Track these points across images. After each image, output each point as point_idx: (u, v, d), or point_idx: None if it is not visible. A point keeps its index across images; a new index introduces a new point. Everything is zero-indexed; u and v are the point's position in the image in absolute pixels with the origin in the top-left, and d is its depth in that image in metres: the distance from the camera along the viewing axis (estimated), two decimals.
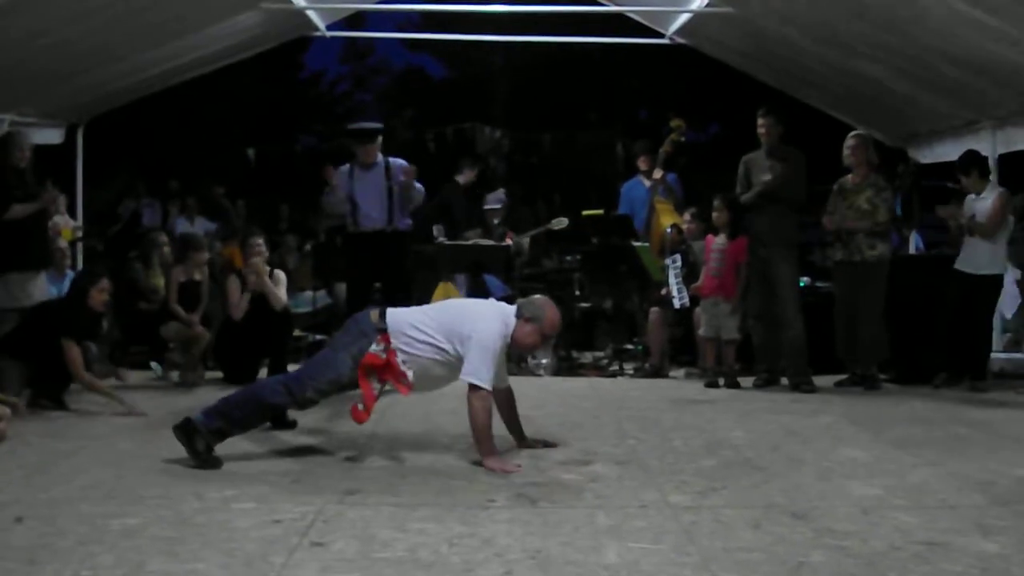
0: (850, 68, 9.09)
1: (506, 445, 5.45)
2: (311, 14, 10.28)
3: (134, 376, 8.13)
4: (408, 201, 7.98)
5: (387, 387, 5.31)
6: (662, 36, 10.86)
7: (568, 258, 11.22)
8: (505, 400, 5.55)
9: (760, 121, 8.15)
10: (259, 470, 5.05)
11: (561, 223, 10.40)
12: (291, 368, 7.61)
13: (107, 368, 7.58)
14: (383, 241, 7.86)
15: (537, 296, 5.68)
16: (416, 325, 5.25)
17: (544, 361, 8.88)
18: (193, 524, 4.06)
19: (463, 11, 12.09)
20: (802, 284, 8.77)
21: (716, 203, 8.23)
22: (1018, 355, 8.67)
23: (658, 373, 8.74)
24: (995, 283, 8.00)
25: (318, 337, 9.74)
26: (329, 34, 11.47)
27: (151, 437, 5.84)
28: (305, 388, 5.20)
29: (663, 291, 8.63)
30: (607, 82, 22.79)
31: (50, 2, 6.97)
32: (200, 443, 5.05)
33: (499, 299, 6.00)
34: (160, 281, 8.78)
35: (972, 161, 8.00)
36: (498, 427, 5.33)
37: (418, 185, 7.96)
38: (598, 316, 10.66)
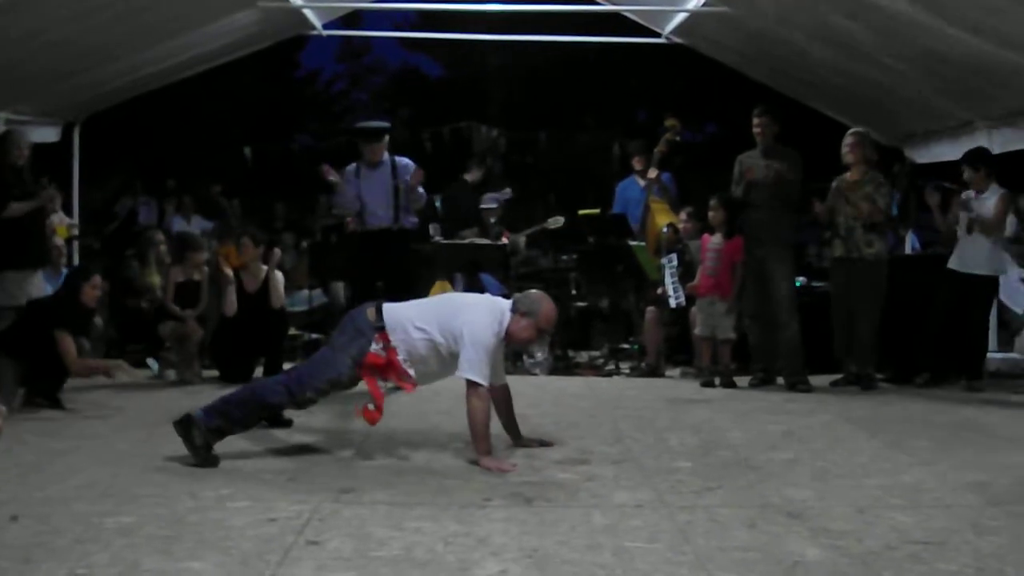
0: (846, 68, 9.10)
1: (502, 444, 5.44)
2: (308, 12, 10.28)
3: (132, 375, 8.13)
4: (411, 203, 7.98)
5: (391, 384, 5.31)
6: (659, 36, 10.87)
7: (564, 257, 11.22)
8: (502, 398, 5.55)
9: (756, 121, 8.15)
10: (255, 468, 5.05)
11: (557, 222, 10.41)
12: (287, 367, 7.65)
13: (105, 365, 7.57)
14: (389, 240, 7.86)
15: (533, 291, 5.69)
16: (413, 321, 5.25)
17: (539, 355, 8.87)
18: (188, 523, 4.05)
19: (460, 10, 12.08)
20: (798, 284, 8.78)
21: (712, 202, 8.23)
22: (1013, 355, 8.67)
23: (654, 372, 8.74)
24: (990, 284, 8.00)
25: (314, 336, 9.74)
26: (326, 33, 11.47)
27: (146, 436, 5.84)
28: (304, 388, 5.20)
29: (659, 290, 8.64)
30: (603, 81, 22.74)
31: (49, 3, 6.96)
32: (199, 440, 5.05)
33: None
34: (156, 280, 8.78)
35: (982, 158, 7.99)
36: (494, 426, 5.33)
37: (420, 190, 7.96)
38: (594, 315, 10.66)
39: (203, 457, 5.05)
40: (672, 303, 8.50)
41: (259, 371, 8.05)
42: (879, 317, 7.95)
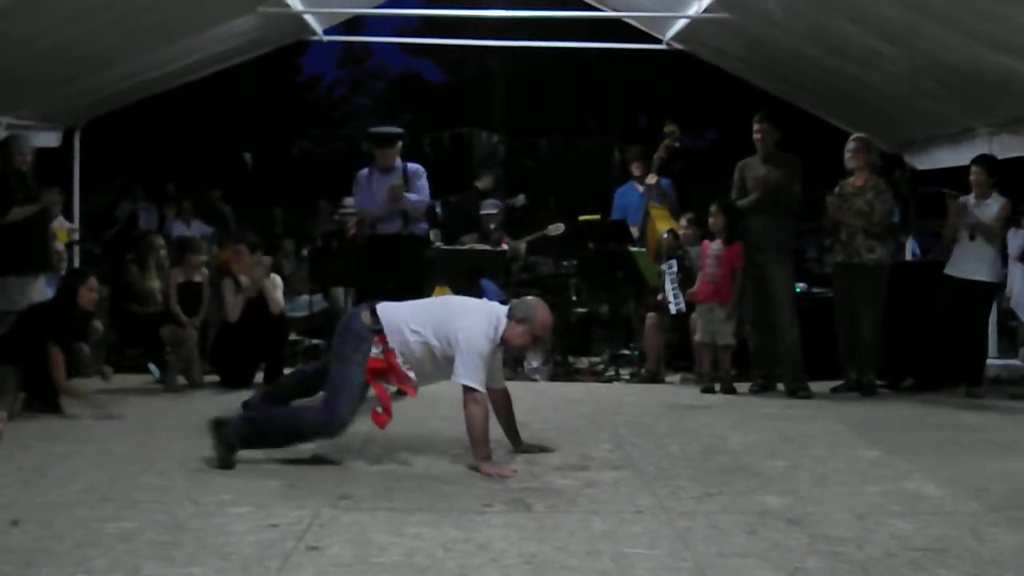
0: (847, 74, 9.11)
1: (502, 450, 5.44)
2: (309, 18, 10.28)
3: (133, 379, 8.14)
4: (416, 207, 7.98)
5: (394, 389, 5.31)
6: (660, 42, 10.88)
7: (565, 263, 11.21)
8: (502, 403, 5.56)
9: (756, 127, 8.16)
10: (255, 474, 5.04)
11: (558, 228, 10.40)
12: (287, 371, 7.66)
13: (95, 366, 7.59)
14: (398, 245, 7.88)
15: (529, 297, 5.69)
16: (408, 323, 5.26)
17: (535, 363, 8.86)
18: (189, 528, 4.05)
19: (461, 16, 12.09)
20: (798, 290, 8.78)
21: (712, 208, 8.22)
22: (1014, 361, 8.68)
23: (654, 378, 8.73)
24: (989, 290, 8.01)
25: (314, 341, 9.73)
26: (327, 38, 11.47)
27: (147, 441, 5.85)
28: (342, 408, 5.17)
29: (659, 296, 8.64)
30: (604, 87, 22.79)
31: (48, 5, 6.97)
32: (226, 441, 5.11)
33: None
34: (156, 284, 8.78)
35: (994, 164, 8.02)
36: (494, 432, 5.33)
37: (416, 196, 7.92)
38: (594, 321, 10.65)
39: (223, 459, 5.10)
40: (672, 309, 8.49)
41: (259, 377, 8.07)
42: (881, 323, 7.95)
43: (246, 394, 6.71)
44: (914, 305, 8.08)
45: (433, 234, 9.71)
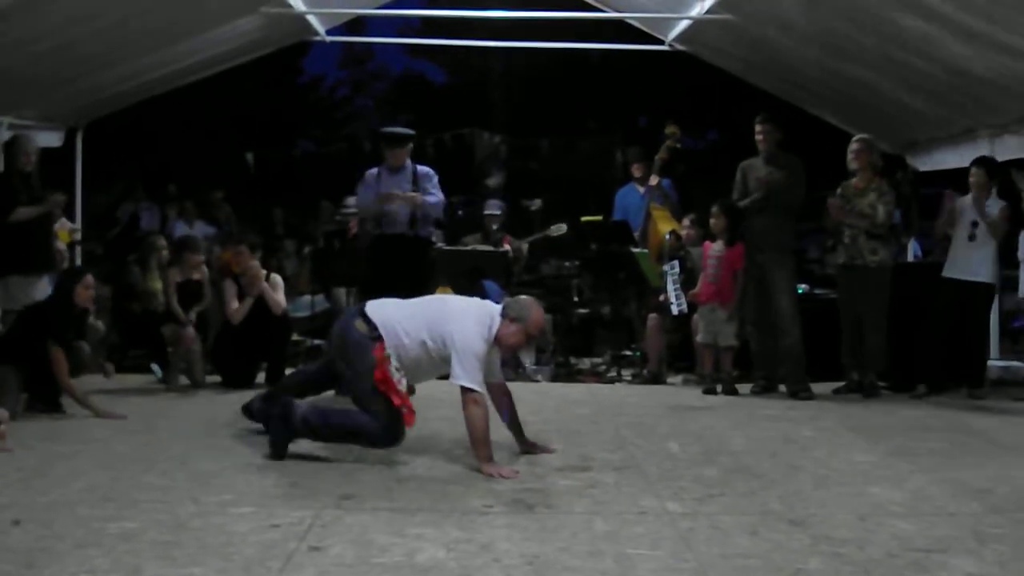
0: (848, 75, 9.11)
1: (503, 451, 5.43)
2: (311, 19, 10.28)
3: (135, 379, 8.14)
4: (429, 211, 8.00)
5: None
6: (662, 43, 10.88)
7: (567, 264, 11.22)
8: (501, 395, 5.58)
9: (758, 128, 8.16)
10: (257, 475, 5.04)
11: (560, 229, 10.41)
12: (288, 371, 7.66)
13: (96, 364, 7.59)
14: (404, 246, 7.89)
15: (523, 296, 5.69)
16: (404, 326, 5.27)
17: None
18: (190, 528, 4.05)
19: (463, 17, 12.09)
20: (800, 291, 8.77)
21: (714, 209, 8.22)
22: (1015, 363, 8.67)
23: (656, 379, 8.73)
24: (988, 292, 8.00)
25: (316, 342, 9.73)
26: (329, 39, 11.46)
27: (149, 440, 5.85)
28: (389, 420, 5.20)
29: (661, 297, 8.63)
30: (606, 88, 22.78)
31: (50, 5, 6.97)
32: (288, 432, 5.24)
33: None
34: (158, 284, 8.77)
35: (996, 166, 8.03)
36: (495, 432, 5.32)
37: (432, 199, 7.93)
38: (596, 322, 10.66)
39: (276, 448, 5.27)
40: (674, 310, 8.49)
41: (261, 377, 8.07)
42: (885, 325, 7.95)
43: (248, 394, 6.71)
44: (917, 306, 8.08)
45: (435, 235, 9.72)
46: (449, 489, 4.79)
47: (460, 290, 8.08)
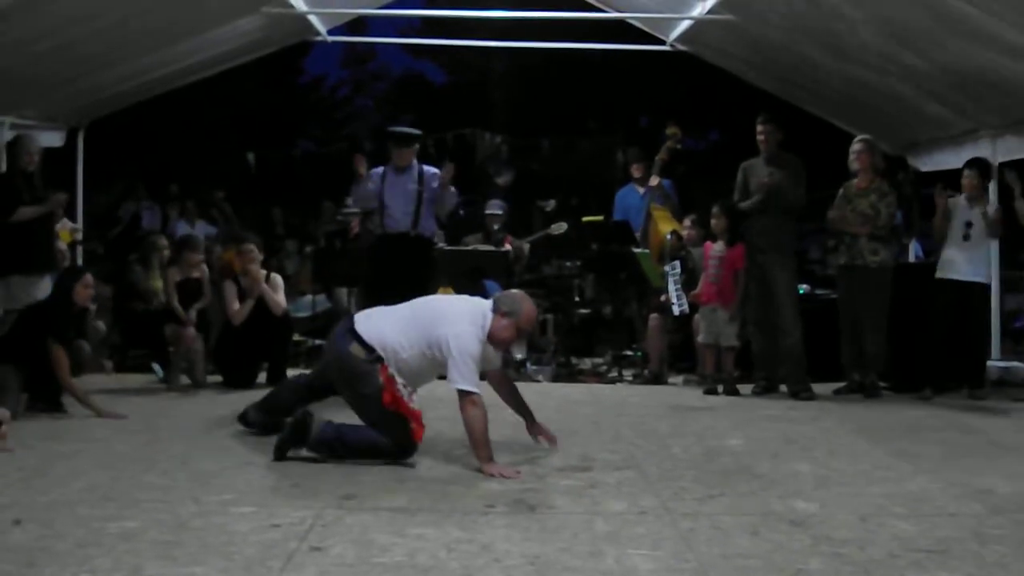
0: (850, 76, 9.10)
1: (502, 453, 5.42)
2: (312, 19, 10.28)
3: (136, 379, 8.14)
4: (440, 205, 8.03)
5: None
6: (663, 43, 10.88)
7: (568, 264, 11.23)
8: (502, 382, 5.63)
9: (759, 128, 8.16)
10: (258, 474, 5.05)
11: (561, 228, 10.41)
12: (290, 372, 7.67)
13: (96, 363, 7.59)
14: (406, 244, 7.91)
15: (514, 290, 5.69)
16: (403, 344, 5.26)
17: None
18: (191, 528, 4.05)
19: (464, 17, 12.09)
20: (801, 291, 8.78)
21: (714, 210, 8.23)
22: (1016, 363, 8.67)
23: (657, 380, 8.74)
24: (985, 292, 8.00)
25: (317, 342, 9.74)
26: (330, 39, 11.46)
27: (150, 440, 5.85)
28: (401, 438, 5.20)
29: (662, 298, 8.64)
30: (607, 88, 22.78)
31: (51, 5, 6.97)
32: (297, 441, 5.20)
33: None
34: (159, 284, 8.78)
35: (989, 168, 8.03)
36: (495, 433, 5.32)
37: (452, 189, 8.01)
38: (598, 322, 10.66)
39: (279, 451, 5.22)
40: (675, 310, 8.49)
41: (263, 377, 8.07)
42: (885, 325, 7.95)
43: (249, 394, 6.72)
44: (918, 307, 8.07)
45: (436, 235, 9.72)
46: (450, 489, 4.79)
47: (461, 290, 8.07)
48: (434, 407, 6.03)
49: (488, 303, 5.43)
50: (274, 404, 5.97)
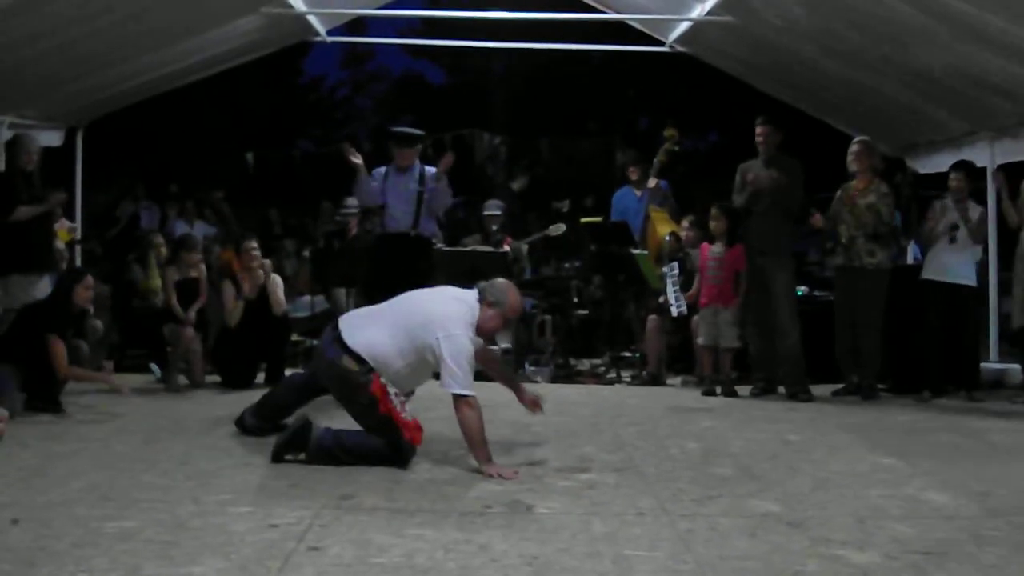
0: (849, 78, 9.11)
1: (498, 455, 5.42)
2: (312, 19, 10.29)
3: (134, 379, 8.13)
4: (435, 199, 8.02)
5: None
6: (662, 44, 10.89)
7: (566, 265, 11.22)
8: (484, 357, 5.63)
9: (758, 129, 8.16)
10: (256, 475, 5.05)
11: (559, 229, 10.40)
12: (288, 372, 7.66)
13: (95, 363, 7.59)
14: (406, 244, 7.92)
15: (499, 279, 5.64)
16: (393, 352, 5.23)
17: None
18: (189, 528, 4.05)
19: (463, 17, 12.09)
20: (800, 293, 8.77)
21: (713, 211, 8.22)
22: (1014, 366, 8.67)
23: (655, 381, 8.74)
24: (972, 294, 8.01)
25: (315, 342, 9.73)
26: (329, 39, 11.46)
27: (148, 440, 5.85)
28: (399, 443, 5.20)
29: (661, 299, 8.63)
30: (607, 89, 22.80)
31: (51, 5, 6.97)
32: (300, 446, 5.19)
33: None
34: (158, 282, 8.78)
35: (974, 173, 8.05)
36: (492, 434, 5.32)
37: (447, 182, 8.01)
38: (596, 324, 10.65)
39: (276, 455, 5.21)
40: (674, 312, 8.49)
41: (261, 377, 8.07)
42: (881, 326, 7.95)
43: (247, 394, 6.72)
44: (916, 309, 8.07)
45: (434, 236, 9.73)
46: (448, 490, 4.79)
47: None
48: (432, 408, 6.03)
49: (473, 294, 5.41)
50: (272, 406, 5.96)
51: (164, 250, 9.12)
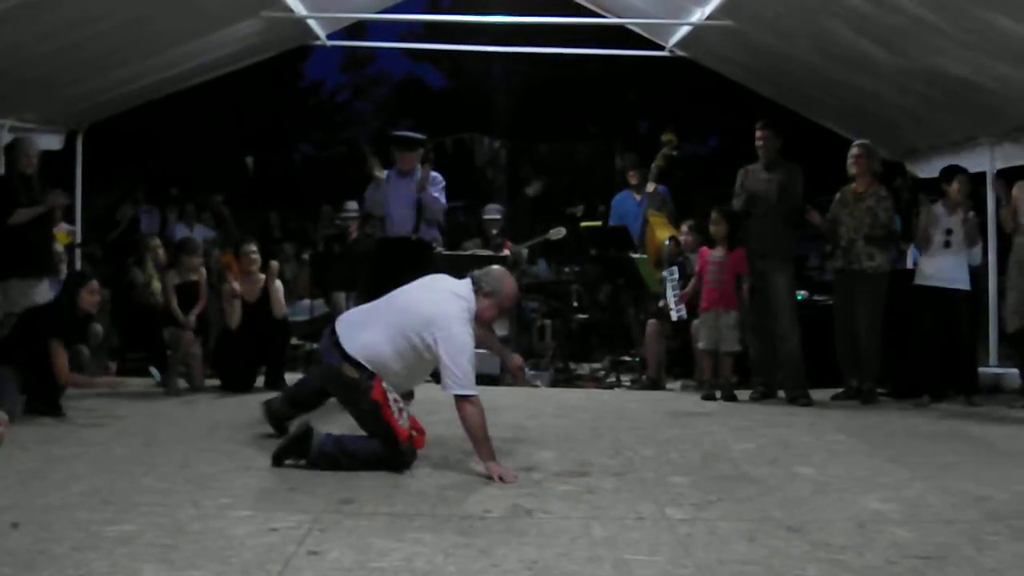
0: (849, 82, 9.12)
1: (499, 458, 5.41)
2: (312, 23, 10.31)
3: (134, 383, 8.13)
4: (430, 210, 8.01)
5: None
6: (662, 48, 10.90)
7: (566, 269, 11.23)
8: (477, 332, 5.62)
9: (758, 134, 8.16)
10: (256, 478, 5.05)
11: (559, 233, 10.41)
12: (289, 377, 7.67)
13: (96, 367, 7.59)
14: (407, 248, 7.94)
15: (495, 267, 5.63)
16: (391, 355, 5.20)
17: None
18: (189, 532, 4.05)
19: (464, 22, 12.11)
20: (800, 297, 8.77)
21: (713, 215, 8.22)
22: (1012, 370, 8.67)
23: (655, 385, 8.73)
24: (967, 298, 8.01)
25: (315, 346, 9.73)
26: (330, 43, 11.48)
27: (148, 444, 5.85)
28: (400, 446, 5.19)
29: (660, 303, 8.64)
30: (607, 94, 22.81)
31: (52, 8, 6.98)
32: (301, 452, 5.17)
33: None
34: (157, 285, 8.79)
35: (967, 179, 8.06)
36: (493, 438, 5.32)
37: (436, 194, 7.98)
38: (598, 327, 10.66)
39: (277, 459, 5.20)
40: (673, 316, 8.49)
41: (260, 381, 8.07)
42: (880, 330, 7.95)
43: (246, 398, 6.72)
44: (915, 313, 8.07)
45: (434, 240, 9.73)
46: (447, 494, 4.79)
47: None
48: (434, 411, 6.04)
49: (467, 286, 5.39)
50: (300, 398, 5.99)
51: (161, 252, 9.12)
